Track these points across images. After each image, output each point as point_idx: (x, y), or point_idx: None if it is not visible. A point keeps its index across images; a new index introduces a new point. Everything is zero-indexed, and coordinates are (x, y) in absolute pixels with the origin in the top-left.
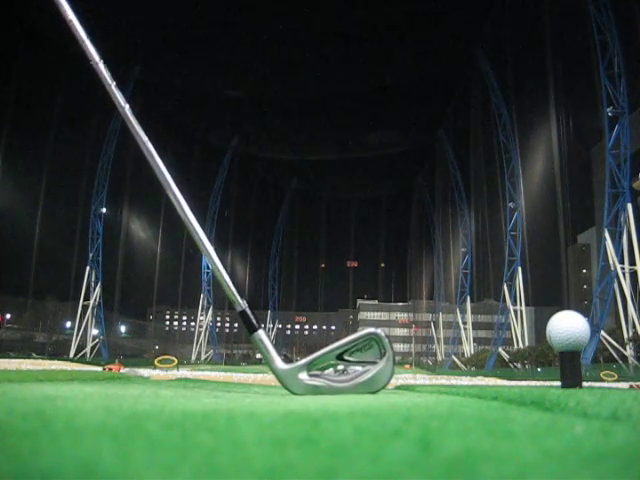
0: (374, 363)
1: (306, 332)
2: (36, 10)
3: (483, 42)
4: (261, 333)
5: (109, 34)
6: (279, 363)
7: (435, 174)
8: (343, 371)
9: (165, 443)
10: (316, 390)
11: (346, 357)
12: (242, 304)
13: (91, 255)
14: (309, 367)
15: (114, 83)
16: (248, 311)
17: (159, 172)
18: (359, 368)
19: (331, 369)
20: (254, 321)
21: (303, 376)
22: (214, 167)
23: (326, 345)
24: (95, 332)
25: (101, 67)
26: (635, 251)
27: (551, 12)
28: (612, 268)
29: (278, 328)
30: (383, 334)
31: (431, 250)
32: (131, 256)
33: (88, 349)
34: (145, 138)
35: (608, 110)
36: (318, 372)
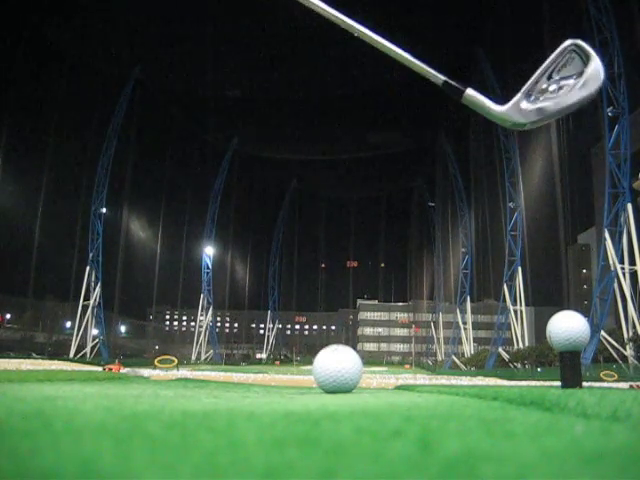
0: (582, 73)
1: (306, 332)
2: (37, 11)
3: (483, 42)
4: (470, 91)
5: (109, 34)
6: (496, 107)
7: (435, 174)
8: (560, 88)
9: (165, 443)
10: (543, 112)
11: (555, 76)
12: (440, 75)
13: (91, 255)
14: (527, 96)
15: None
16: (448, 80)
17: None
18: (573, 80)
19: (548, 90)
20: (458, 85)
21: (525, 105)
22: (214, 167)
23: (326, 345)
24: (95, 332)
25: None
26: (635, 251)
27: (551, 12)
28: (612, 268)
29: (278, 328)
30: (580, 41)
31: (431, 250)
32: (131, 256)
33: (88, 349)
34: None
35: (608, 110)
36: (537, 96)
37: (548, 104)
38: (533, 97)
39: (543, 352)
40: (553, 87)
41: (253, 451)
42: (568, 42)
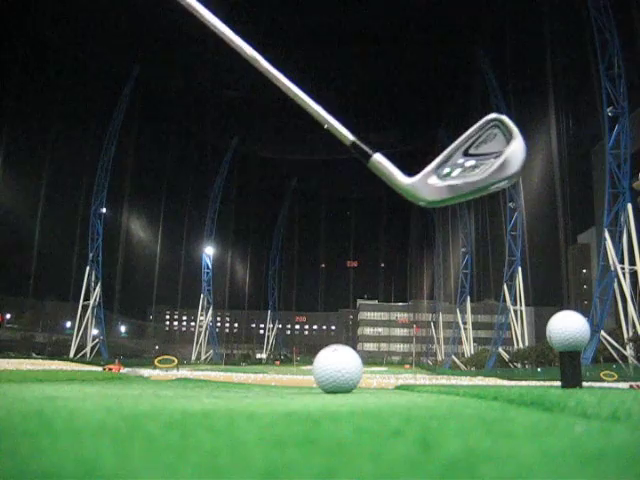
0: (503, 151)
1: (306, 332)
2: (37, 11)
3: (483, 42)
4: (377, 156)
5: (109, 34)
6: (403, 178)
7: None
8: (473, 167)
9: (165, 443)
10: (453, 190)
11: (472, 152)
12: (350, 135)
13: (91, 255)
14: (437, 171)
15: None
16: (357, 141)
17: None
18: (491, 159)
19: (460, 168)
20: (366, 148)
21: (434, 181)
22: (214, 167)
23: (326, 345)
24: (95, 332)
25: None
26: (635, 251)
27: (551, 12)
28: (612, 268)
29: (278, 328)
30: (505, 117)
31: (431, 250)
32: (131, 256)
33: (88, 349)
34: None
35: (608, 110)
36: (448, 170)
37: (459, 183)
38: (443, 174)
39: (543, 352)
40: (469, 164)
41: (253, 451)
42: (491, 116)
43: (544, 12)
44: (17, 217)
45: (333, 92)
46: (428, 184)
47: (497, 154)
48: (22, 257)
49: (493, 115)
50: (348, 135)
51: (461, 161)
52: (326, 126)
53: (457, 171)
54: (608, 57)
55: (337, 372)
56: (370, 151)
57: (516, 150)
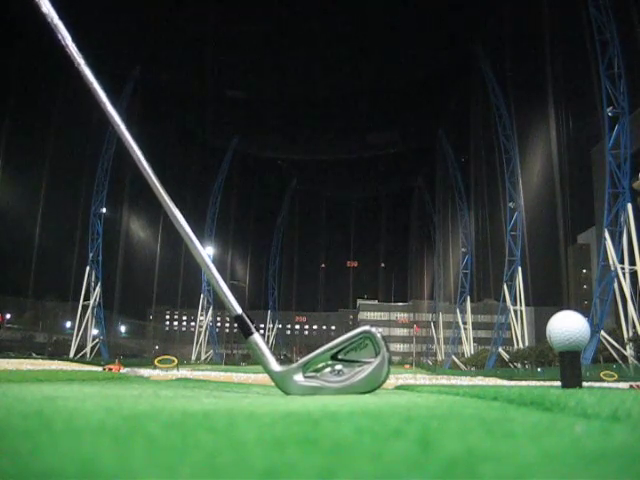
0: (369, 362)
1: (306, 332)
2: (37, 11)
3: (483, 42)
4: (256, 337)
5: (110, 34)
6: (274, 366)
7: (435, 174)
8: (339, 371)
9: (165, 443)
10: (311, 391)
11: (341, 357)
12: (238, 309)
13: (91, 255)
14: (304, 368)
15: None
16: (244, 315)
17: (142, 167)
18: (356, 368)
19: (328, 369)
20: (250, 325)
21: (298, 378)
22: (214, 167)
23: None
24: (95, 332)
25: (85, 69)
26: (635, 251)
27: (551, 12)
28: (612, 268)
29: (278, 328)
30: (377, 332)
31: (431, 250)
32: (131, 256)
33: (88, 349)
34: (138, 153)
35: (608, 110)
36: (313, 373)
37: (320, 385)
38: (309, 374)
39: (543, 352)
40: (337, 367)
41: (253, 451)
42: (364, 328)
43: (544, 12)
44: (17, 217)
45: (333, 92)
46: (293, 379)
47: (362, 364)
48: (22, 257)
49: (366, 327)
50: (237, 308)
51: (329, 363)
52: (220, 292)
53: (323, 371)
54: (608, 57)
55: None
56: (253, 329)
57: (380, 367)
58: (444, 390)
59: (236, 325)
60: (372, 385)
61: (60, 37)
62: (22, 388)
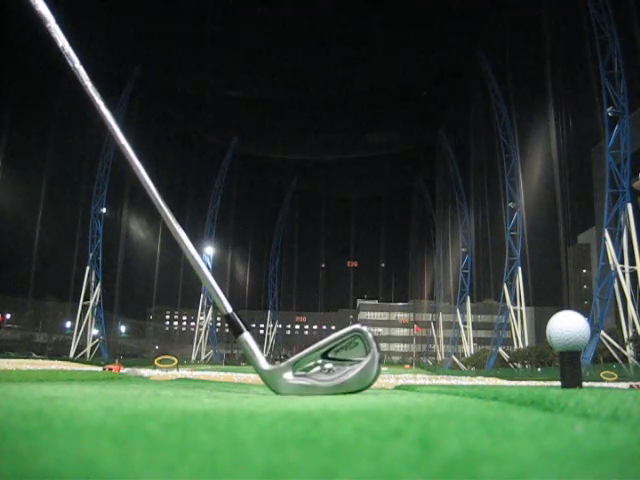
0: (360, 361)
1: (306, 332)
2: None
3: (483, 42)
4: (246, 336)
5: (110, 34)
6: (263, 364)
7: (435, 174)
8: (329, 370)
9: (165, 443)
10: (300, 390)
11: (331, 355)
12: (228, 308)
13: (91, 255)
14: (294, 367)
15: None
16: (234, 314)
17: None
18: (346, 367)
19: (318, 368)
20: (240, 324)
21: (288, 376)
22: (214, 167)
23: None
24: (95, 332)
25: (82, 73)
26: (635, 251)
27: (551, 12)
28: (612, 268)
29: (278, 328)
30: (367, 331)
31: (431, 250)
32: (131, 256)
33: (88, 349)
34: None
35: (608, 110)
36: (303, 372)
37: (309, 384)
38: (298, 373)
39: (543, 352)
40: (327, 366)
41: (253, 451)
42: (354, 326)
43: (544, 12)
44: (17, 217)
45: (333, 92)
46: (283, 377)
47: (352, 363)
48: (22, 257)
49: (357, 326)
50: (227, 307)
51: (320, 362)
52: (211, 292)
53: (313, 370)
54: (608, 57)
55: None
56: (243, 328)
57: (370, 366)
58: (444, 390)
59: (227, 325)
60: (362, 384)
61: (55, 39)
62: (22, 388)
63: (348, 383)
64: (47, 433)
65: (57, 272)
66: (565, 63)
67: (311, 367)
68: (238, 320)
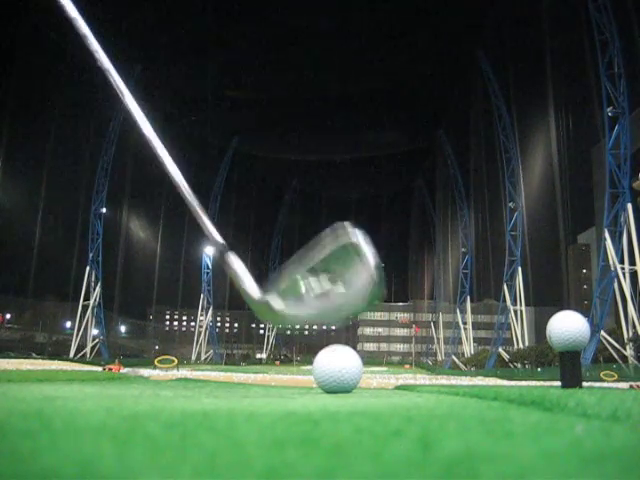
0: (354, 280)
1: (306, 332)
2: (36, 9)
3: (483, 43)
4: (232, 256)
5: (110, 34)
6: (254, 292)
7: (435, 174)
8: (320, 293)
9: (165, 443)
10: (294, 319)
11: (320, 274)
12: (220, 239)
13: (91, 255)
14: (283, 293)
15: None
16: (225, 244)
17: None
18: (339, 286)
19: (308, 290)
20: (224, 244)
21: (278, 305)
22: (214, 167)
23: (326, 345)
24: (95, 332)
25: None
26: (635, 251)
27: (551, 13)
28: (612, 268)
29: (278, 328)
30: (362, 241)
31: (431, 250)
32: (131, 256)
33: (88, 349)
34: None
35: (608, 110)
36: (293, 297)
37: (301, 312)
38: (290, 298)
39: (543, 352)
40: (317, 289)
41: (253, 451)
42: (346, 234)
43: (544, 13)
44: (17, 217)
45: (333, 92)
46: (275, 309)
47: (345, 282)
48: (22, 257)
49: (349, 231)
50: (219, 240)
51: (308, 282)
52: (200, 223)
53: (302, 294)
54: (608, 57)
55: (337, 372)
56: (226, 248)
57: (367, 282)
58: (444, 390)
59: (213, 246)
60: (358, 308)
61: (82, 36)
62: (22, 388)
63: (342, 306)
64: (47, 433)
65: (57, 272)
66: (565, 63)
67: (300, 290)
68: (221, 241)
